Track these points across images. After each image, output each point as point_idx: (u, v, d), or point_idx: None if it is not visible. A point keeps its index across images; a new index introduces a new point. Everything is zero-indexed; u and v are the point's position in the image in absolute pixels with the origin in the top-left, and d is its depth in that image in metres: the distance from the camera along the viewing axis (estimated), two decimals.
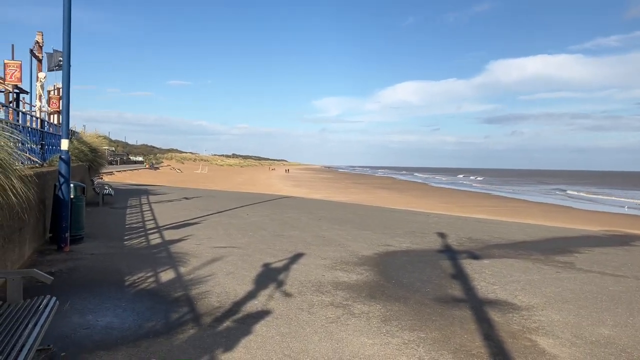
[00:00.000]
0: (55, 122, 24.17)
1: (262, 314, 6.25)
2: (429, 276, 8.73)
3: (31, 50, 14.97)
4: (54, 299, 4.83)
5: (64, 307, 6.23)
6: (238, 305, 6.60)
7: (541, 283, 8.51)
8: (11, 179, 5.56)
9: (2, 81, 15.81)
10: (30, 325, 4.14)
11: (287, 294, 7.22)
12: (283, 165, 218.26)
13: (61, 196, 9.79)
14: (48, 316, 4.53)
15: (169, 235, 12.32)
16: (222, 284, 7.65)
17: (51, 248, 9.98)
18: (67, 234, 9.84)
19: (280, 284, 7.85)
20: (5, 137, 5.79)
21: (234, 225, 14.62)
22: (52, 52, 24.45)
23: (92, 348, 4.99)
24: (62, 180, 9.76)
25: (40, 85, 15.22)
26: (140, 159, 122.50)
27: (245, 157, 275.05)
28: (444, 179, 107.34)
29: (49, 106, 24.69)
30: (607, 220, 25.01)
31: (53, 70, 23.95)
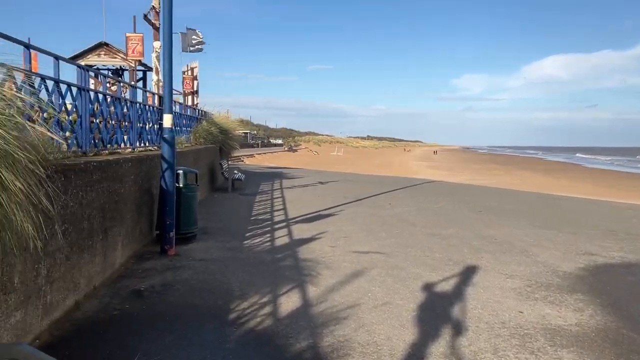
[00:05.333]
0: (190, 103, 23.33)
1: None
2: None
3: (145, 16, 13.56)
4: None
5: None
6: None
7: None
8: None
9: (124, 56, 14.71)
10: None
11: (478, 356, 4.40)
12: (418, 147, 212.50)
13: (164, 186, 7.80)
14: None
15: (298, 231, 10.03)
16: (367, 326, 5.03)
17: (154, 250, 8.07)
18: (172, 234, 7.85)
19: (457, 328, 5.03)
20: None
21: (376, 218, 12.01)
22: (185, 31, 23.58)
23: None
24: (165, 165, 7.75)
25: (156, 56, 13.79)
26: (280, 141, 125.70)
27: (380, 139, 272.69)
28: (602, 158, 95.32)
29: (182, 87, 23.90)
30: None
31: (187, 51, 23.01)
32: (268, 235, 9.68)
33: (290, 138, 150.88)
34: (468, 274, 7.11)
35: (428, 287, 6.41)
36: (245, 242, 9.04)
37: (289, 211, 12.78)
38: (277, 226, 10.64)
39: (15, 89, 4.64)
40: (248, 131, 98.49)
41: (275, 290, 6.11)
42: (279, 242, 9.07)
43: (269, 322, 5.06)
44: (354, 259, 7.88)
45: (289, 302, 5.68)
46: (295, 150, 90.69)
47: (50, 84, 5.81)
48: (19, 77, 4.73)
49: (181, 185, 8.60)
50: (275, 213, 12.55)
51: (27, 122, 3.61)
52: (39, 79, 5.57)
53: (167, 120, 7.79)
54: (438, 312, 5.49)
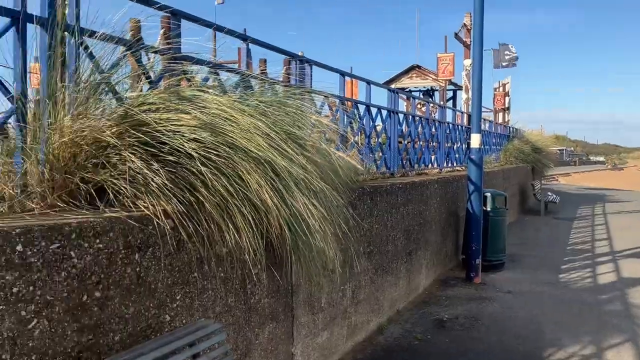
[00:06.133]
0: (500, 120, 22.56)
1: None
2: None
3: (456, 35, 13.44)
4: None
5: None
6: None
7: None
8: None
9: (435, 77, 14.94)
10: None
11: None
12: None
13: (470, 209, 7.42)
14: None
15: (627, 268, 8.43)
16: None
17: (459, 276, 7.73)
18: (478, 261, 7.40)
19: None
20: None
21: None
22: (498, 47, 23.00)
23: None
24: (471, 187, 7.38)
25: (466, 74, 13.52)
26: (601, 158, 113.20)
27: None
28: None
29: (493, 104, 23.34)
30: None
31: (499, 67, 22.41)
32: (589, 269, 8.39)
33: (614, 155, 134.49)
34: None
35: None
36: (561, 275, 7.99)
37: (615, 242, 10.97)
38: (599, 259, 9.19)
39: (330, 115, 4.89)
40: (564, 148, 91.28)
41: (599, 341, 5.09)
42: (602, 279, 7.75)
43: None
44: None
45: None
46: (621, 169, 79.94)
47: (362, 108, 6.05)
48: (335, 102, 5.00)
49: (489, 209, 8.09)
50: (597, 243, 10.92)
51: (334, 150, 3.68)
52: (351, 103, 5.84)
53: (475, 140, 7.41)
54: None
